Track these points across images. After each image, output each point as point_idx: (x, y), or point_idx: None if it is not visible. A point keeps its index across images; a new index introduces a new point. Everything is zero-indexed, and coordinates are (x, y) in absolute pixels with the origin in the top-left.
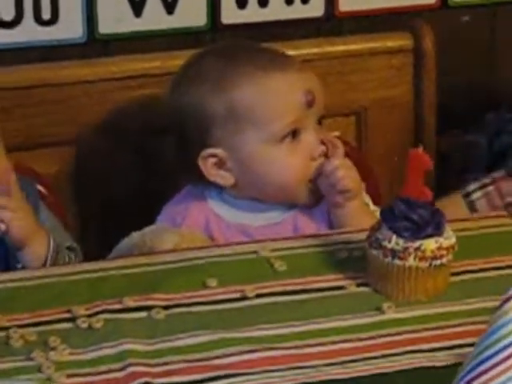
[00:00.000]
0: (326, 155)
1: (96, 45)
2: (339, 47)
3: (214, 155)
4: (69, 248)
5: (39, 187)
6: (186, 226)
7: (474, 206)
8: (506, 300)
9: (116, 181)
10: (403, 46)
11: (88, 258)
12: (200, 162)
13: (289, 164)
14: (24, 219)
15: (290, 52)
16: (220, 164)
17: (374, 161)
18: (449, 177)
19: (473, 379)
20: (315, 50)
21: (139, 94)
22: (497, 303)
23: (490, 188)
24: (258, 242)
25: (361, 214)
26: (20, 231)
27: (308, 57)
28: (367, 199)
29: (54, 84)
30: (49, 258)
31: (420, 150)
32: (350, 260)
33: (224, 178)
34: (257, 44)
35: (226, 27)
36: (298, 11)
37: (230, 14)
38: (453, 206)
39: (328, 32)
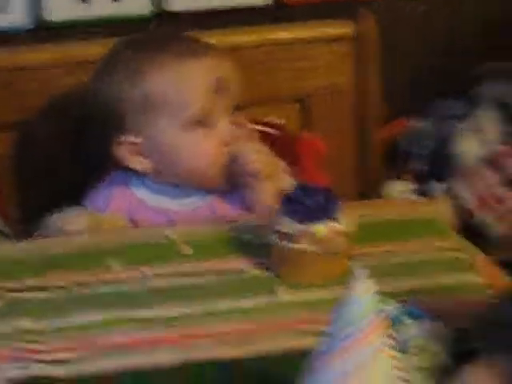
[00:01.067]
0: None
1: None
2: (284, 34)
3: (130, 142)
4: None
5: None
6: (110, 211)
7: None
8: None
9: (59, 168)
10: (345, 33)
11: None
12: (115, 149)
13: (201, 150)
14: None
15: (233, 39)
16: (136, 150)
17: None
18: (396, 162)
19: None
20: (257, 37)
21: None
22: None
23: None
24: (170, 227)
25: (273, 197)
26: None
27: (250, 44)
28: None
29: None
30: None
31: (313, 135)
32: (256, 245)
33: (141, 163)
34: (180, 32)
35: (171, 14)
36: None
37: (175, 2)
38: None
39: (273, 19)
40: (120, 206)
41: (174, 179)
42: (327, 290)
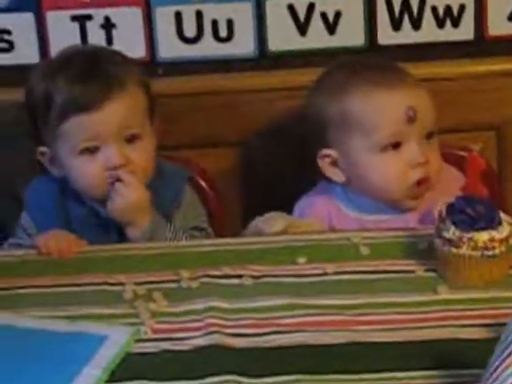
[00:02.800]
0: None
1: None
2: (481, 67)
3: (328, 155)
4: (196, 228)
5: (201, 181)
6: (312, 217)
7: None
8: None
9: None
10: None
11: None
12: (318, 160)
13: (388, 171)
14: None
15: (438, 70)
16: (334, 163)
17: None
18: None
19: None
20: (459, 70)
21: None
22: None
23: None
24: (352, 231)
25: None
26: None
27: (453, 75)
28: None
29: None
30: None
31: (475, 153)
32: (427, 250)
33: (337, 175)
34: (381, 60)
35: (382, 47)
36: (449, 34)
37: (386, 36)
38: None
39: (477, 54)
40: (320, 214)
41: (366, 193)
42: (483, 292)
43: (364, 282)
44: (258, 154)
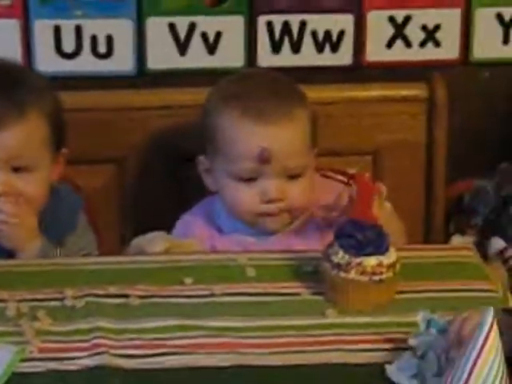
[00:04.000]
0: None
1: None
2: (360, 93)
3: (203, 162)
4: (88, 255)
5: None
6: (192, 237)
7: None
8: None
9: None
10: (418, 95)
11: None
12: (199, 166)
13: (238, 199)
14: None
15: (315, 95)
16: (208, 171)
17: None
18: (460, 217)
19: None
20: (338, 94)
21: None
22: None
23: None
24: (240, 253)
25: None
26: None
27: (331, 100)
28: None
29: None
30: None
31: (366, 176)
32: (313, 272)
33: (210, 184)
34: (282, 82)
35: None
36: (327, 59)
37: (265, 58)
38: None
39: (353, 79)
40: (201, 234)
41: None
42: (369, 316)
43: (252, 304)
44: (134, 172)
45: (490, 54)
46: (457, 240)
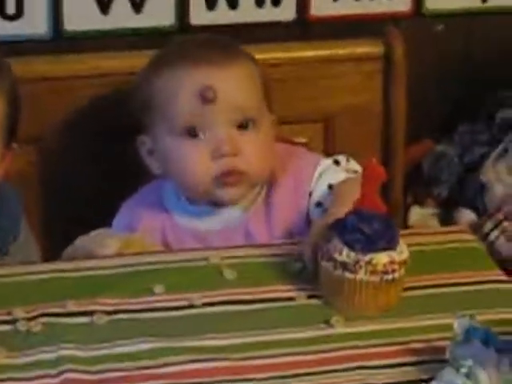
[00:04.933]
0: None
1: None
2: (308, 52)
3: (144, 142)
4: None
5: None
6: (141, 231)
7: (494, 247)
8: None
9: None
10: (373, 52)
11: None
12: (138, 147)
13: (189, 161)
14: None
15: (257, 55)
16: (150, 151)
17: None
18: (419, 186)
19: None
20: (283, 55)
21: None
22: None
23: (506, 224)
24: (209, 249)
25: None
26: None
27: (275, 61)
28: None
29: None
30: None
31: (374, 161)
32: (303, 271)
33: (153, 165)
34: (221, 39)
35: (194, 28)
36: (268, 14)
37: (199, 15)
38: None
39: (298, 36)
40: (151, 226)
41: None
42: (383, 322)
43: (238, 314)
44: (57, 154)
45: (444, 5)
46: (416, 212)
